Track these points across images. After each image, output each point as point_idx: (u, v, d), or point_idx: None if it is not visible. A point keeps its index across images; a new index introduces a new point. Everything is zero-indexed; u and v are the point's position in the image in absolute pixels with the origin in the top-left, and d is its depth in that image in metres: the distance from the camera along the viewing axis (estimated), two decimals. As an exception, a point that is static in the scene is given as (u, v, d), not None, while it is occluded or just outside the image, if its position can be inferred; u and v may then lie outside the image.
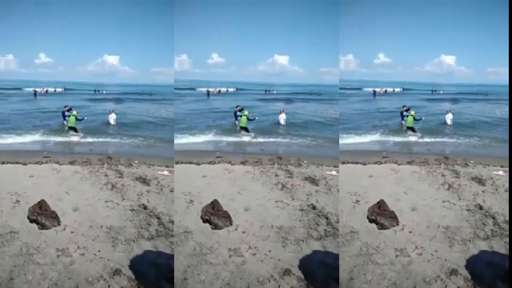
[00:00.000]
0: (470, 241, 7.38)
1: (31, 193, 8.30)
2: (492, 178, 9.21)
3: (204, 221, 7.92)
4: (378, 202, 7.98)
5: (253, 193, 8.64)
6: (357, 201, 8.31)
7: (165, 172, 9.01)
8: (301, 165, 9.64)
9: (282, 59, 17.10)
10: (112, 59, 16.31)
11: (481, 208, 8.18)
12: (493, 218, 7.93)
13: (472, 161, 10.03)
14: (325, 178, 9.06)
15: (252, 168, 9.43)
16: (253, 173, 9.28)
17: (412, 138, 12.62)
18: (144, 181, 8.94)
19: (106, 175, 9.12)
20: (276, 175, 9.21)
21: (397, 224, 7.67)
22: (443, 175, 9.27)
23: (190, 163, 9.63)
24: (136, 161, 9.64)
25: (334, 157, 9.35)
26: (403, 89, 23.45)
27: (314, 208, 8.29)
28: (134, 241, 7.55)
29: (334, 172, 9.09)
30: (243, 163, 9.73)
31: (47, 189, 8.53)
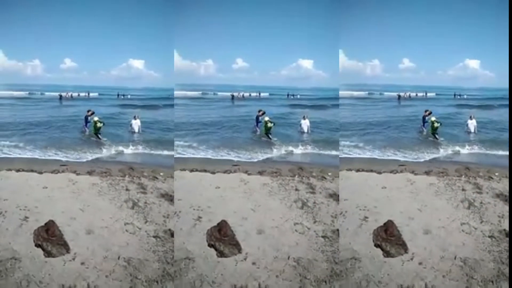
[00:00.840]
0: (492, 282, 6.33)
1: (42, 208, 7.43)
2: (520, 195, 8.10)
3: (209, 245, 6.92)
4: (385, 224, 6.96)
5: (269, 211, 7.60)
6: (365, 218, 7.32)
7: None
8: (325, 178, 8.49)
9: (307, 63, 16.60)
10: (137, 63, 16.33)
11: (507, 235, 7.11)
12: (521, 249, 6.87)
13: (497, 174, 8.89)
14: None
15: (270, 180, 8.39)
16: (270, 186, 8.26)
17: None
18: (170, 198, 7.88)
19: (127, 189, 8.12)
20: (297, 189, 8.16)
21: (406, 252, 6.65)
22: (463, 190, 8.19)
23: (205, 171, 8.65)
24: (161, 174, 8.54)
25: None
26: (426, 93, 22.43)
27: (339, 234, 7.24)
28: (157, 282, 6.50)
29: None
30: (260, 173, 8.67)
31: (60, 204, 7.64)
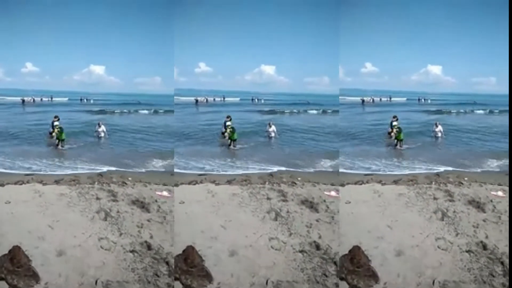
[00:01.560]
0: None
1: (5, 229, 6.48)
2: (491, 201, 7.50)
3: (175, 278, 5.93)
4: (350, 251, 6.04)
5: (241, 226, 6.73)
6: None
7: (165, 193, 7.45)
8: (295, 183, 7.78)
9: (269, 69, 16.34)
10: (98, 69, 16.35)
11: (484, 247, 6.41)
12: (502, 263, 6.16)
13: (466, 178, 8.29)
14: (324, 201, 7.27)
15: (240, 189, 7.55)
16: (241, 196, 7.41)
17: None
18: (142, 205, 7.16)
19: (97, 198, 7.37)
20: (268, 198, 7.34)
21: (377, 283, 5.78)
22: (434, 198, 7.50)
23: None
24: (129, 178, 8.01)
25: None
26: (390, 98, 22.14)
27: (317, 247, 6.43)
28: None
29: (333, 193, 7.38)
30: (229, 182, 7.85)
31: (26, 222, 6.69)
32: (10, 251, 5.95)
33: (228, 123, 11.32)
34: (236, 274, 6.01)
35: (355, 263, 5.92)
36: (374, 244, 6.29)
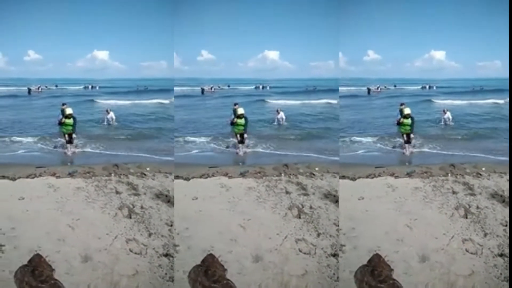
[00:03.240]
0: None
1: (20, 230, 5.65)
2: (517, 193, 6.65)
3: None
4: (370, 261, 5.11)
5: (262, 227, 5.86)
6: (342, 247, 5.44)
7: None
8: (314, 175, 6.94)
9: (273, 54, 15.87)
10: (102, 54, 16.19)
11: (520, 251, 5.56)
12: (540, 268, 5.32)
13: (483, 169, 7.46)
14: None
15: (255, 183, 6.69)
16: (257, 190, 6.57)
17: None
18: (168, 200, 6.40)
19: (117, 192, 6.58)
20: (287, 192, 6.50)
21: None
22: (453, 192, 6.64)
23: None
24: (148, 169, 7.22)
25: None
26: (395, 86, 21.26)
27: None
28: None
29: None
30: (242, 174, 6.98)
31: (43, 221, 5.87)
32: (30, 260, 5.09)
33: (240, 110, 9.27)
34: (263, 285, 5.18)
35: (376, 276, 4.99)
36: (394, 249, 5.38)
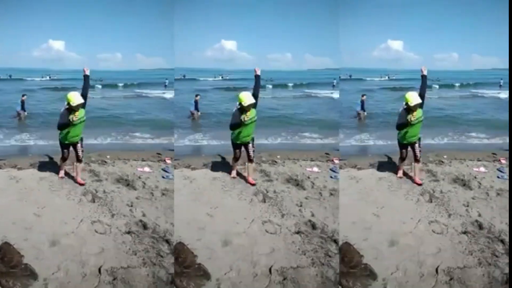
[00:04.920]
0: None
1: None
2: (475, 177, 6.97)
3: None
4: (340, 249, 5.16)
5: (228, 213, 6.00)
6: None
7: (146, 169, 7.02)
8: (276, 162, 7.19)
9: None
10: (58, 44, 15.51)
11: (480, 226, 5.77)
12: (502, 241, 5.52)
13: (445, 156, 7.77)
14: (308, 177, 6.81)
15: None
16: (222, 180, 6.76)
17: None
18: (127, 183, 6.71)
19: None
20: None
21: (375, 280, 4.91)
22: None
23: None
24: (108, 156, 7.58)
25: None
26: (350, 76, 21.67)
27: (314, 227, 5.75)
28: None
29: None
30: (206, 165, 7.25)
31: (8, 212, 5.78)
32: (-1, 249, 4.99)
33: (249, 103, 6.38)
34: (235, 265, 5.27)
35: (347, 263, 5.03)
36: (364, 236, 5.47)
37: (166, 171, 6.83)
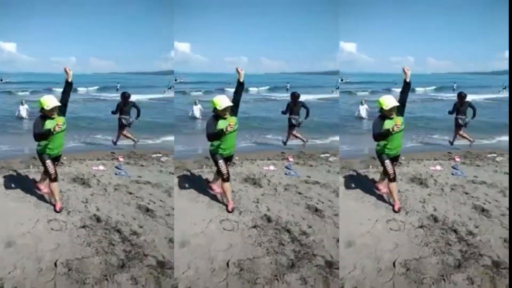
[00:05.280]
0: (444, 279, 5.04)
1: None
2: (432, 175, 7.22)
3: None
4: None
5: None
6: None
7: (101, 167, 7.29)
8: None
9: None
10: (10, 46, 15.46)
11: (435, 220, 5.98)
12: (455, 231, 5.73)
13: (403, 158, 8.01)
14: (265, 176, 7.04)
15: None
16: None
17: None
18: (82, 182, 6.87)
19: (35, 181, 6.55)
20: None
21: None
22: (375, 182, 6.99)
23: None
24: (64, 158, 7.38)
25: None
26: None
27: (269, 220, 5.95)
28: (107, 279, 5.22)
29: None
30: None
31: None
32: None
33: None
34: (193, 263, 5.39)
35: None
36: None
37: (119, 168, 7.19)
